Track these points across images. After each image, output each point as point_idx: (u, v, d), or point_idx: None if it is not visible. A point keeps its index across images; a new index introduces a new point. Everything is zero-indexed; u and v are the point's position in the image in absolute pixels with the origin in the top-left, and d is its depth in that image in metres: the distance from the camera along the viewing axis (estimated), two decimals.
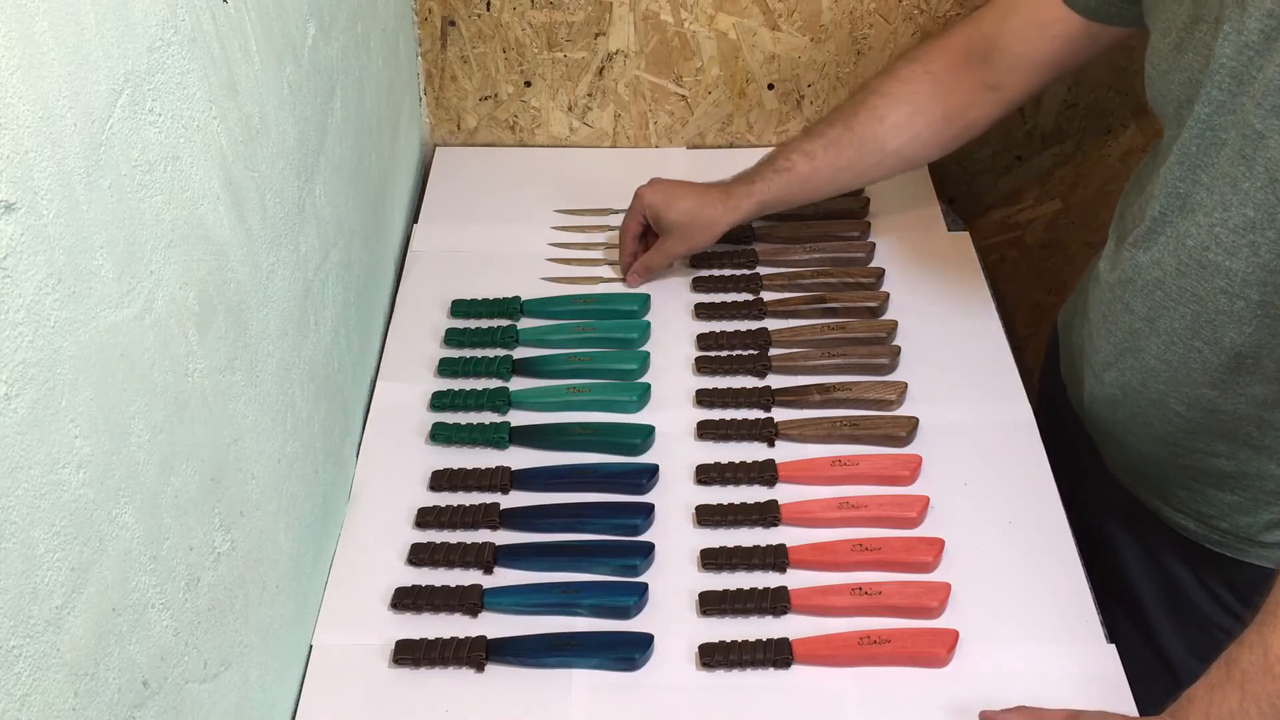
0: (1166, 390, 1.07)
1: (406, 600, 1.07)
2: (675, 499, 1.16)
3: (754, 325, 1.33)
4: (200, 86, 0.78)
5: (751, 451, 1.20)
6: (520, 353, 1.31)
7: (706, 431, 1.22)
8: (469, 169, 1.58)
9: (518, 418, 1.24)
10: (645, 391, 1.26)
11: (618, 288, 1.39)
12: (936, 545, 1.10)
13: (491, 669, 1.03)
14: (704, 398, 1.25)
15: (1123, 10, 1.12)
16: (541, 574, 1.10)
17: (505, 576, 1.11)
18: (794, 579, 1.09)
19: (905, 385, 1.25)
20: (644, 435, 1.21)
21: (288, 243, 0.98)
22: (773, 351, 1.30)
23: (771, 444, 1.21)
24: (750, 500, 1.15)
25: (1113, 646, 1.04)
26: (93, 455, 0.65)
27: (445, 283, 1.40)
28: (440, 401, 1.25)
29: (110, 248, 0.66)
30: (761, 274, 1.39)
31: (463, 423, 1.23)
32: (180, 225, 0.75)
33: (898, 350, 1.29)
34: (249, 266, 0.88)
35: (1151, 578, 1.20)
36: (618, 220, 1.48)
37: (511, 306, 1.36)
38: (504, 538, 1.13)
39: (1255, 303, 0.97)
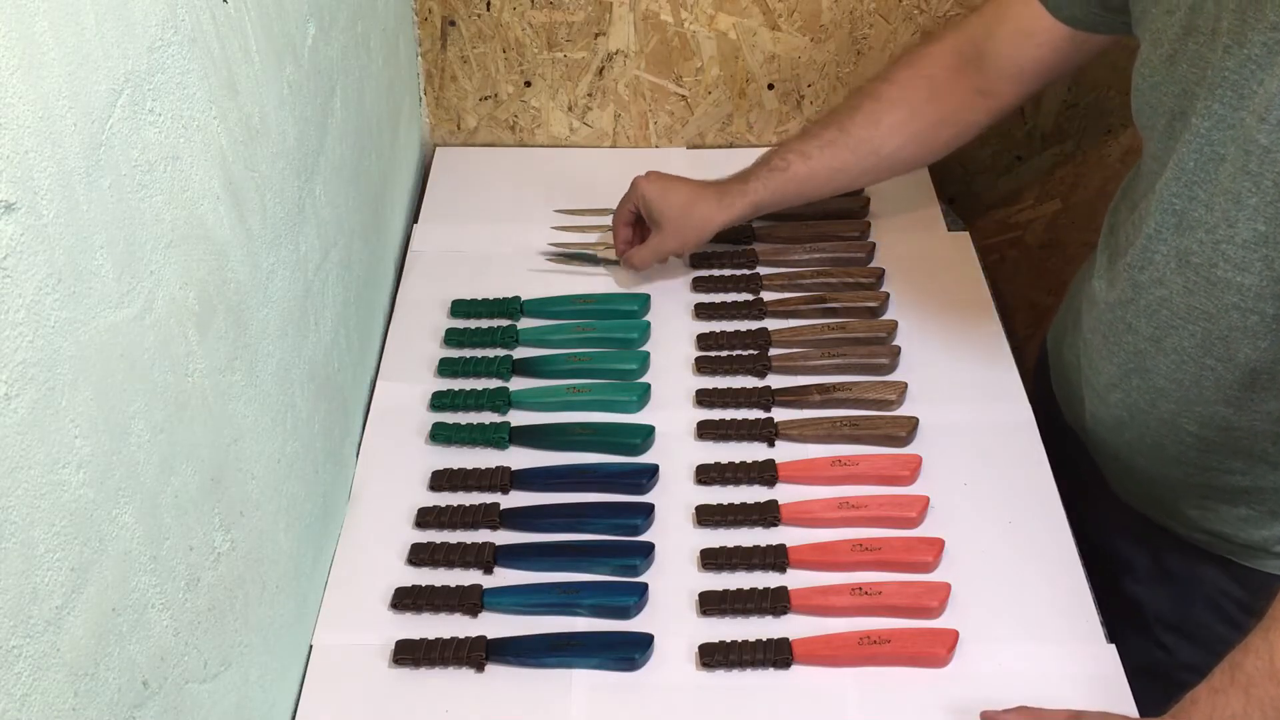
0: (1178, 410, 1.05)
1: (406, 600, 1.07)
2: (675, 499, 1.16)
3: (754, 325, 1.33)
4: (200, 86, 0.78)
5: (751, 451, 1.20)
6: (520, 353, 1.31)
7: (706, 431, 1.22)
8: (469, 169, 1.58)
9: (518, 418, 1.24)
10: (645, 391, 1.26)
11: (618, 287, 1.39)
12: (936, 545, 1.10)
13: (491, 669, 1.03)
14: (704, 398, 1.25)
15: (1108, 19, 1.12)
16: (541, 574, 1.10)
17: (505, 576, 1.11)
18: (794, 579, 1.09)
19: (905, 385, 1.25)
20: (644, 435, 1.21)
21: (288, 243, 0.98)
22: (773, 351, 1.30)
23: (771, 444, 1.21)
24: (750, 500, 1.15)
25: (1113, 646, 1.04)
26: (93, 455, 0.65)
27: (445, 283, 1.40)
28: (440, 401, 1.25)
29: (110, 248, 0.66)
30: (761, 274, 1.39)
31: (463, 423, 1.23)
32: (180, 225, 0.75)
33: (898, 350, 1.29)
34: (249, 266, 0.88)
35: (1160, 593, 1.18)
36: None
37: (511, 306, 1.36)
38: (504, 538, 1.13)
39: (1271, 317, 0.95)
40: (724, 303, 1.36)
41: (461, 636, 1.04)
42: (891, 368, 1.28)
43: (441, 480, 1.18)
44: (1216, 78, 0.94)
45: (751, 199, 1.31)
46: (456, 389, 1.26)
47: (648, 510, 1.14)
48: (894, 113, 1.26)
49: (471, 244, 1.46)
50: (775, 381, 1.27)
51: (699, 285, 1.39)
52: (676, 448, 1.21)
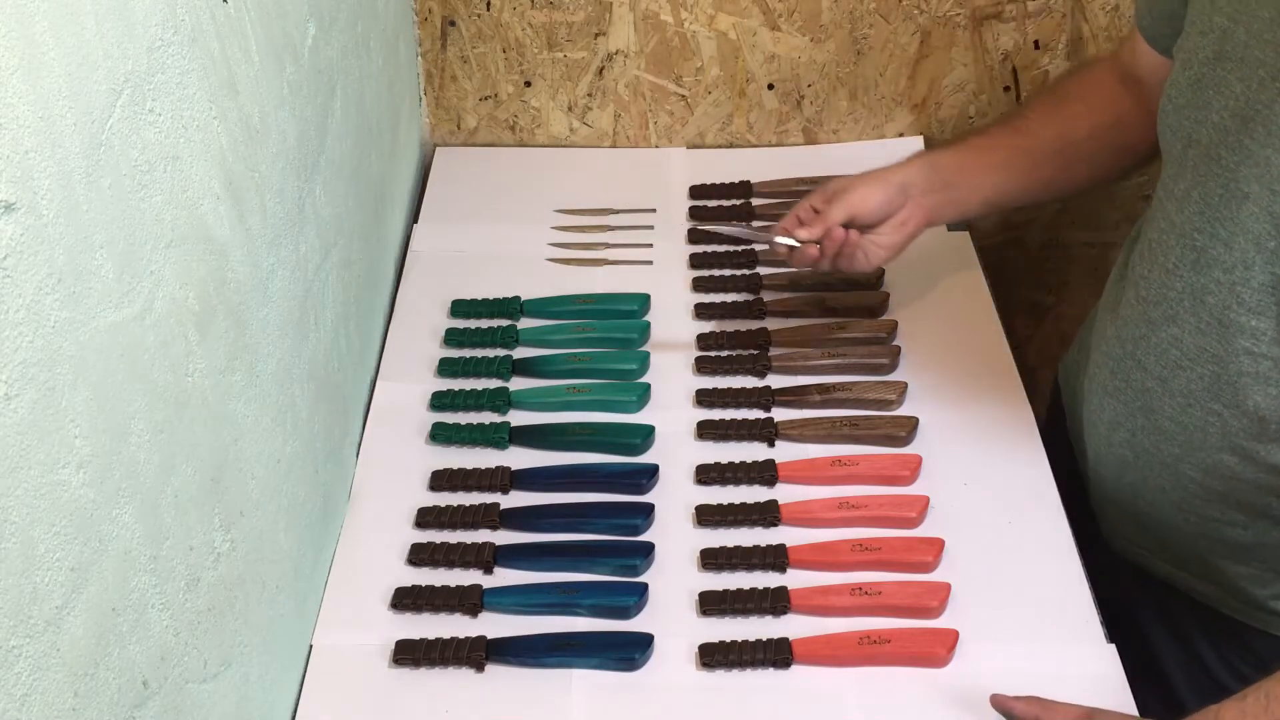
0: (1181, 455, 1.01)
1: (406, 600, 1.07)
2: (675, 499, 1.16)
3: (754, 325, 1.33)
4: (200, 86, 0.78)
5: (751, 451, 1.20)
6: (520, 353, 1.31)
7: (706, 431, 1.22)
8: (469, 169, 1.58)
9: (518, 418, 1.24)
10: (645, 391, 1.26)
11: (618, 287, 1.39)
12: (936, 545, 1.10)
13: (491, 669, 1.03)
14: (704, 398, 1.25)
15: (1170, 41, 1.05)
16: (541, 574, 1.10)
17: (505, 576, 1.11)
18: (794, 579, 1.09)
19: (905, 385, 1.25)
20: (644, 435, 1.21)
21: (288, 243, 0.98)
22: (773, 351, 1.30)
23: (771, 444, 1.21)
24: (750, 500, 1.15)
25: (1112, 646, 1.04)
26: (93, 455, 0.65)
27: (445, 283, 1.40)
28: (440, 401, 1.25)
29: (110, 248, 0.66)
30: (761, 274, 1.39)
31: (463, 423, 1.23)
32: (180, 225, 0.75)
33: (898, 350, 1.29)
34: (249, 266, 0.88)
35: (1173, 650, 1.13)
36: (618, 220, 1.48)
37: (511, 306, 1.36)
38: (504, 538, 1.13)
39: None
40: (724, 303, 1.36)
41: (461, 636, 1.04)
42: (891, 368, 1.28)
43: (441, 480, 1.18)
44: (1249, 111, 0.91)
45: (920, 156, 1.21)
46: (456, 389, 1.26)
47: (648, 510, 1.14)
48: (1076, 104, 1.18)
49: (471, 244, 1.46)
50: (775, 381, 1.27)
51: (699, 285, 1.39)
52: (676, 448, 1.21)
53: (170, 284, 0.74)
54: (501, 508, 1.15)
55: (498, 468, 1.18)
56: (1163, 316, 1.00)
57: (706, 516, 1.14)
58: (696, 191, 1.52)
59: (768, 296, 1.36)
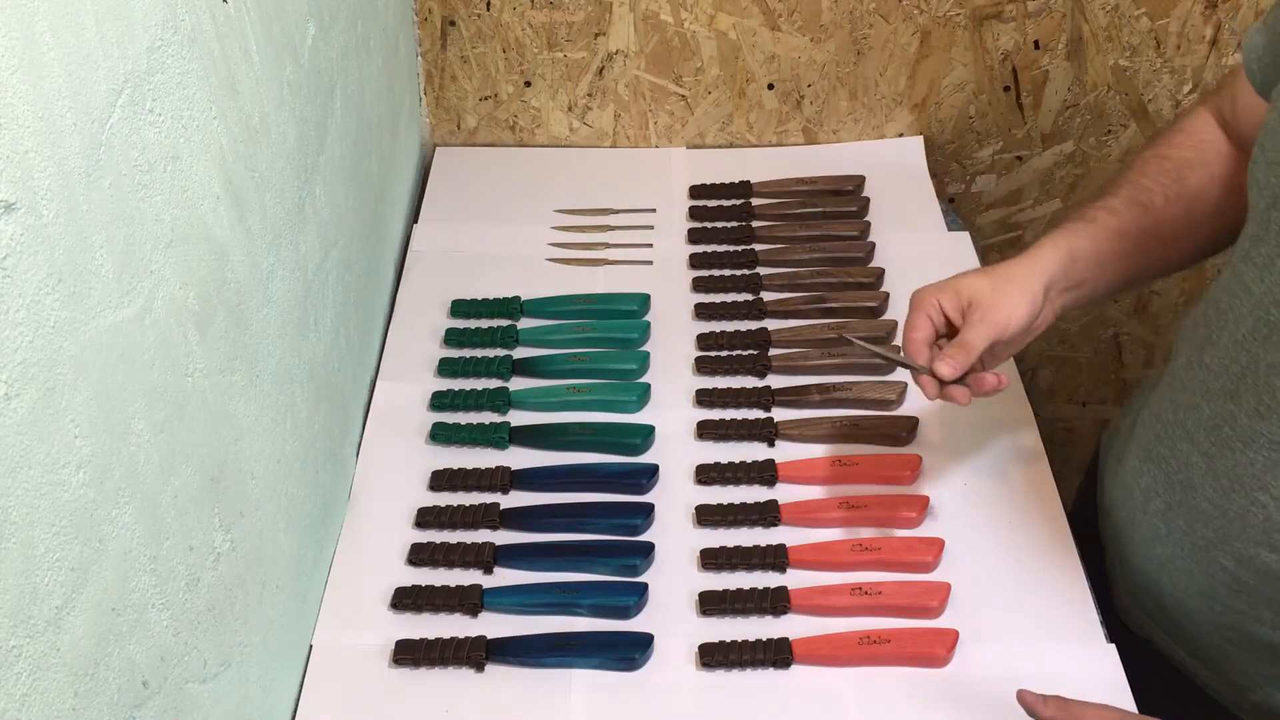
0: (1215, 540, 0.94)
1: (406, 600, 1.07)
2: (675, 499, 1.16)
3: (754, 325, 1.33)
4: (200, 86, 0.78)
5: (751, 451, 1.20)
6: (520, 353, 1.31)
7: (706, 431, 1.22)
8: (469, 169, 1.58)
9: (518, 418, 1.24)
10: (645, 391, 1.26)
11: (618, 287, 1.39)
12: (936, 545, 1.10)
13: (491, 669, 1.03)
14: (704, 398, 1.25)
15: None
16: (541, 574, 1.10)
17: (505, 576, 1.11)
18: (794, 579, 1.09)
19: (905, 385, 1.25)
20: (644, 435, 1.21)
21: (288, 243, 0.98)
22: (773, 351, 1.30)
23: (771, 444, 1.21)
24: (750, 500, 1.15)
25: (1112, 646, 1.04)
26: (93, 455, 0.65)
27: (445, 283, 1.40)
28: (440, 401, 1.25)
29: (110, 248, 0.66)
30: (761, 274, 1.39)
31: (463, 423, 1.23)
32: (180, 225, 0.75)
33: (898, 350, 1.29)
34: (249, 266, 0.88)
35: None
36: (618, 220, 1.48)
37: (511, 306, 1.36)
38: (504, 538, 1.13)
39: None
40: (724, 303, 1.36)
41: (461, 636, 1.04)
42: (891, 368, 1.28)
43: (441, 480, 1.18)
44: None
45: (1055, 245, 1.03)
46: (456, 389, 1.26)
47: (648, 510, 1.14)
48: (1197, 171, 1.05)
49: (471, 244, 1.46)
50: (775, 381, 1.27)
51: (699, 285, 1.39)
52: (676, 448, 1.21)
53: (170, 284, 0.74)
54: (501, 508, 1.15)
55: (498, 468, 1.18)
56: (1222, 390, 0.91)
57: (706, 516, 1.14)
58: (696, 191, 1.52)
59: (768, 296, 1.36)
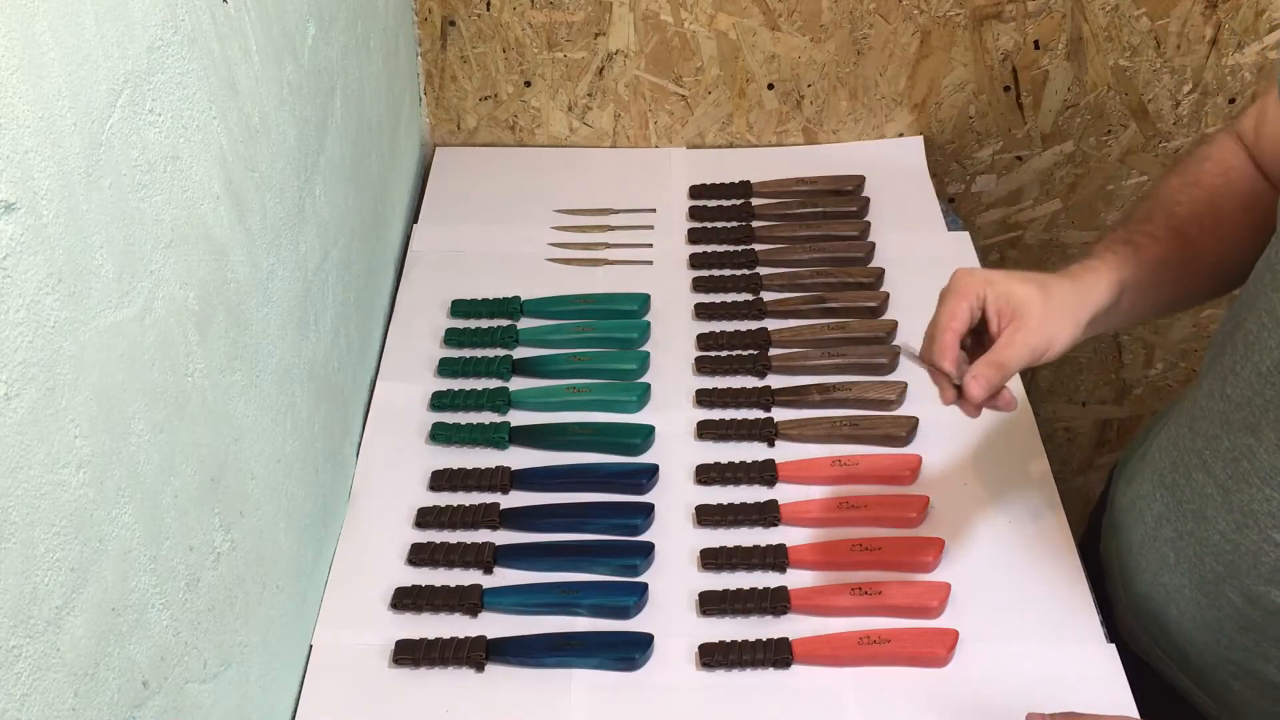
0: (1224, 574, 0.92)
1: (406, 600, 1.07)
2: (675, 499, 1.16)
3: (754, 325, 1.33)
4: (200, 86, 0.78)
5: (751, 451, 1.20)
6: (520, 353, 1.31)
7: (706, 431, 1.22)
8: (469, 169, 1.58)
9: (518, 418, 1.24)
10: (645, 391, 1.26)
11: (618, 287, 1.39)
12: (936, 545, 1.10)
13: (491, 669, 1.03)
14: (704, 398, 1.25)
15: None
16: (541, 574, 1.10)
17: (505, 576, 1.11)
18: (794, 579, 1.09)
19: (905, 385, 1.25)
20: (644, 435, 1.21)
21: (288, 243, 0.98)
22: (773, 351, 1.30)
23: (771, 444, 1.21)
24: (750, 500, 1.15)
25: (1112, 646, 1.04)
26: (93, 455, 0.65)
27: (445, 283, 1.40)
28: (440, 401, 1.25)
29: (110, 248, 0.66)
30: (761, 274, 1.39)
31: (463, 423, 1.23)
32: (180, 225, 0.75)
33: (898, 350, 1.29)
34: (249, 266, 0.88)
35: None
36: (618, 220, 1.48)
37: (511, 306, 1.36)
38: (504, 538, 1.13)
39: None
40: (724, 303, 1.36)
41: (461, 636, 1.04)
42: (891, 368, 1.28)
43: (441, 480, 1.18)
44: None
45: (1109, 277, 1.00)
46: (456, 389, 1.26)
47: (648, 510, 1.14)
48: (1229, 202, 1.01)
49: (471, 244, 1.46)
50: (775, 381, 1.27)
51: (699, 285, 1.39)
52: (676, 448, 1.21)
53: (170, 284, 0.74)
54: (501, 508, 1.15)
55: (498, 468, 1.18)
56: (1243, 423, 0.89)
57: (706, 516, 1.14)
58: (696, 191, 1.52)
59: (768, 296, 1.36)
